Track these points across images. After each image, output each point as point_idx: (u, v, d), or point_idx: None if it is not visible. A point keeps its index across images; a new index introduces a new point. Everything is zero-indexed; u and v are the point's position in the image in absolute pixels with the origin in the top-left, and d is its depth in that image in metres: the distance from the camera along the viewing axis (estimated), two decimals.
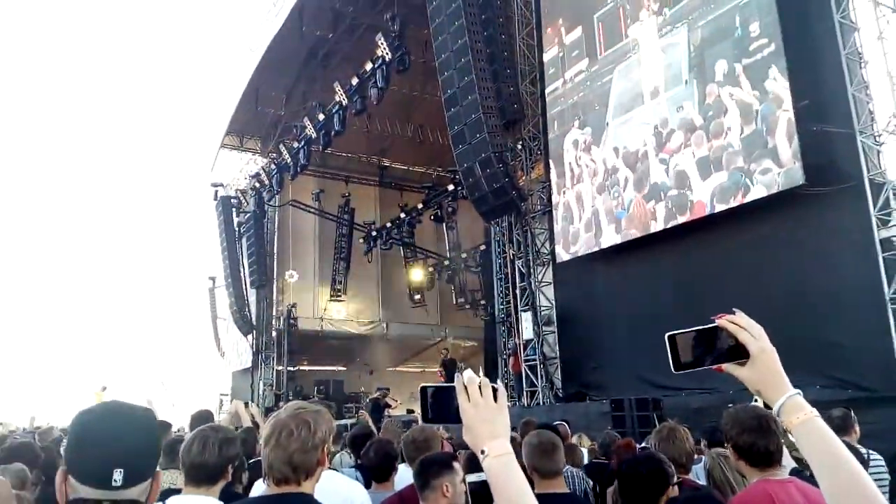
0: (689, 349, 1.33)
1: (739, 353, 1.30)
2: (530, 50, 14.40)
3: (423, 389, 1.37)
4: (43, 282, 36.86)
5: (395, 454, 3.78)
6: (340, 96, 17.87)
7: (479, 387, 1.31)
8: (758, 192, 9.68)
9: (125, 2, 48.86)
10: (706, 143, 10.53)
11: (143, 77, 53.37)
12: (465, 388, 1.31)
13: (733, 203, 10.03)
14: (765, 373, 1.29)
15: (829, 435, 1.20)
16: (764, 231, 10.07)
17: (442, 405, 1.35)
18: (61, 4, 45.66)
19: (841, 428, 4.15)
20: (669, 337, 1.34)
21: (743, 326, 1.31)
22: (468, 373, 1.32)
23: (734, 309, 1.33)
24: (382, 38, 16.12)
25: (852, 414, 4.45)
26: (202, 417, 4.71)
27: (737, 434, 2.49)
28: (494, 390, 1.31)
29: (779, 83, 9.43)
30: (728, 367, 1.32)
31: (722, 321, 1.32)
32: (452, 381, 1.32)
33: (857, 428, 4.40)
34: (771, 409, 1.29)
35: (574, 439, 6.43)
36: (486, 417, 1.29)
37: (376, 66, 16.51)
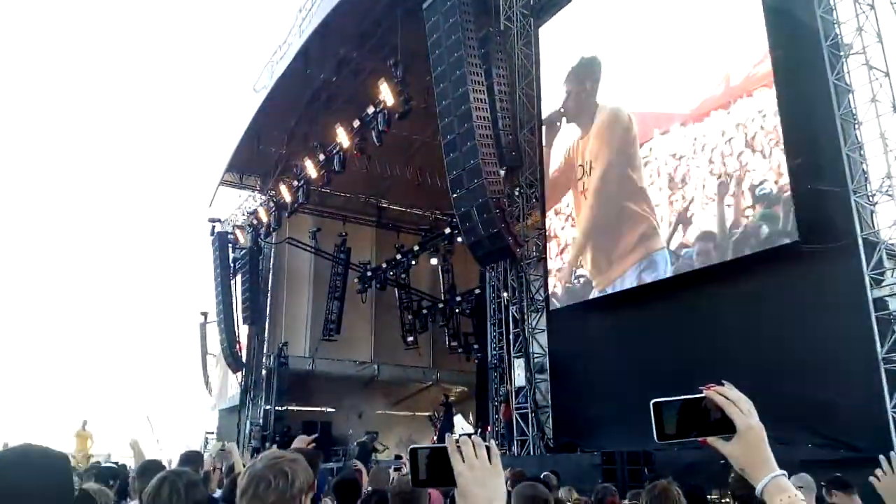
0: (675, 419, 1.27)
1: (726, 427, 1.24)
2: (529, 100, 14.62)
3: (414, 451, 1.29)
4: (30, 309, 36.59)
5: None
6: (342, 138, 18.09)
7: (473, 447, 1.24)
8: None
9: (139, 34, 49.69)
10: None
11: (146, 111, 53.99)
12: (459, 449, 1.24)
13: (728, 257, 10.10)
14: (750, 450, 1.24)
15: None
16: (757, 286, 10.09)
17: (434, 467, 1.27)
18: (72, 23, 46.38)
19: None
20: (655, 404, 1.27)
21: (732, 400, 1.25)
22: (461, 425, 1.25)
23: (723, 381, 1.27)
24: (385, 83, 16.40)
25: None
26: (190, 459, 4.62)
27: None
28: (487, 450, 1.25)
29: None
30: (713, 440, 1.26)
31: (710, 392, 1.26)
32: (449, 423, 1.24)
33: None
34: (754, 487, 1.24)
35: (562, 492, 6.25)
36: (482, 481, 1.22)
37: (378, 110, 16.78)
